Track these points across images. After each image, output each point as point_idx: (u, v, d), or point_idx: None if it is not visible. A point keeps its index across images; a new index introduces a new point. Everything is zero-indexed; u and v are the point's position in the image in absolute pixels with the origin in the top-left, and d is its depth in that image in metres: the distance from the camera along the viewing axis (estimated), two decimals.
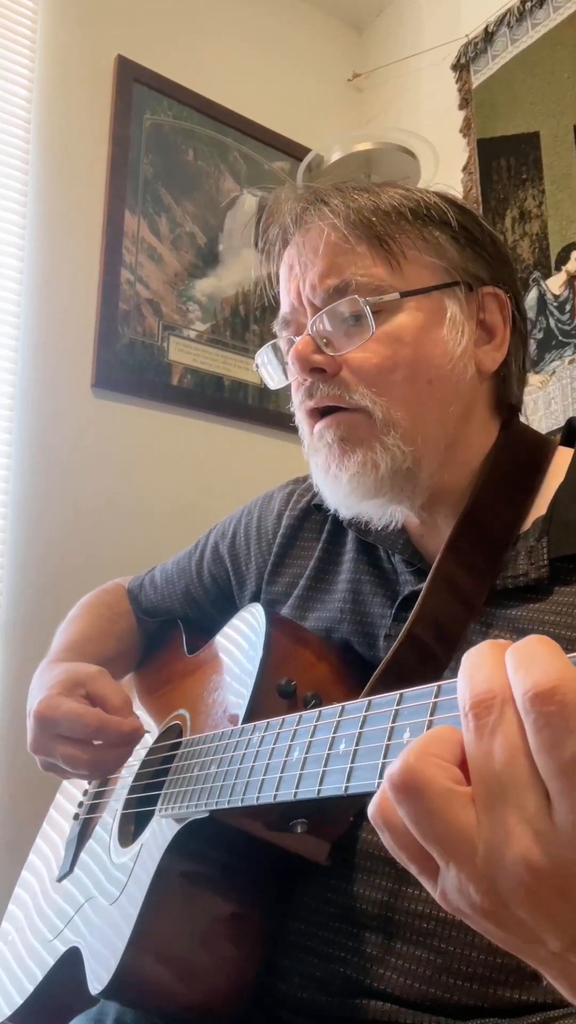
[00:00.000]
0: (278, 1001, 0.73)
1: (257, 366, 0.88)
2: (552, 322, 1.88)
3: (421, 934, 0.67)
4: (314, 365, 0.77)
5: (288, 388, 0.86)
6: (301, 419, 0.82)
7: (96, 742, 0.86)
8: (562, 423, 0.89)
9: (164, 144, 2.14)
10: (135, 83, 2.10)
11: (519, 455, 0.81)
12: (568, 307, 1.86)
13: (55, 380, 1.89)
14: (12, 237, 1.90)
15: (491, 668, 0.37)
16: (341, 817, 0.73)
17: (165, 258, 2.10)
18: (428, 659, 0.72)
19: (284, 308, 0.83)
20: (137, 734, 0.86)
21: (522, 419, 0.88)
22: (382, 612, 0.83)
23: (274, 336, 0.87)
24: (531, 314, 1.93)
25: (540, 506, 0.78)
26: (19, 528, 1.80)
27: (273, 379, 0.87)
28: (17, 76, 1.96)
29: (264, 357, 0.87)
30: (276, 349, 0.87)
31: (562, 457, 0.82)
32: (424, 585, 0.75)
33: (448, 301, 0.78)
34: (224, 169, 2.24)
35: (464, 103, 2.17)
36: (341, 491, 0.79)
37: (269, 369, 0.88)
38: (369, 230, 0.77)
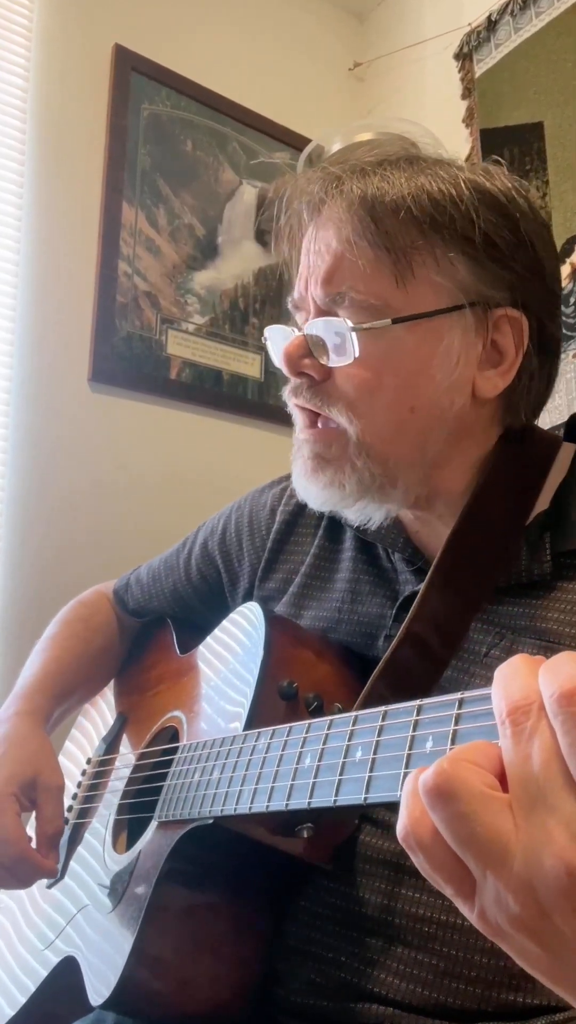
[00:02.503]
0: (277, 1006, 0.72)
1: (265, 339, 0.85)
2: None
3: (422, 938, 0.66)
4: (301, 369, 0.77)
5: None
6: (292, 408, 0.82)
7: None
8: (565, 418, 0.87)
9: (162, 134, 2.12)
10: (133, 72, 2.08)
11: (524, 452, 0.79)
12: (572, 300, 1.84)
13: (52, 374, 1.87)
14: (8, 229, 1.87)
15: (526, 677, 0.37)
16: (346, 821, 0.72)
17: (163, 250, 2.07)
18: (428, 657, 0.71)
19: (295, 290, 0.81)
20: (47, 876, 0.90)
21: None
22: (381, 612, 0.81)
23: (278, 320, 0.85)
24: None
25: (543, 502, 0.76)
26: (15, 523, 1.78)
27: (277, 357, 0.85)
28: (13, 65, 1.93)
29: (272, 332, 0.85)
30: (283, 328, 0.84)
31: (565, 453, 0.80)
32: (424, 582, 0.73)
33: (449, 325, 0.74)
34: (223, 160, 2.21)
35: (467, 93, 2.14)
36: (313, 501, 0.80)
37: (274, 345, 0.85)
38: (382, 239, 0.73)
